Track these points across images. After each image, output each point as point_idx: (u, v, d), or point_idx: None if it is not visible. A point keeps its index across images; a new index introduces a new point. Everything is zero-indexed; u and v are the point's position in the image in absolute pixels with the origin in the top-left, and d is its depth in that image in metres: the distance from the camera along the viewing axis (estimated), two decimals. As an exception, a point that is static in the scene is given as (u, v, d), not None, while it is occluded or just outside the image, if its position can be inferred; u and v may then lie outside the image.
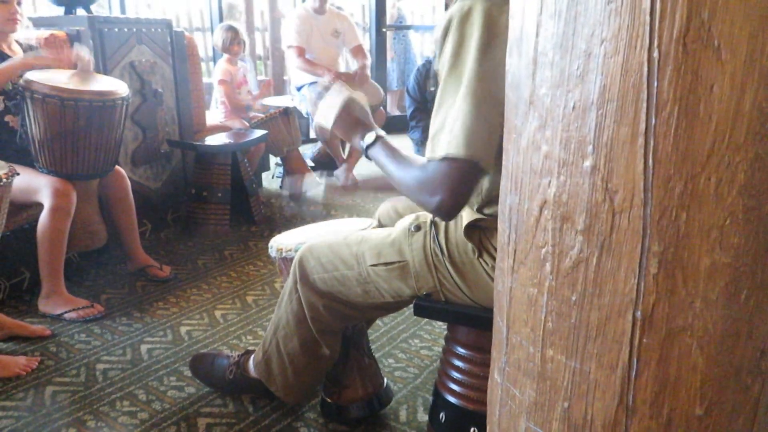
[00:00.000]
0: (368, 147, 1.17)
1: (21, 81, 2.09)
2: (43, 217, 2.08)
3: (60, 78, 2.17)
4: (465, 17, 1.00)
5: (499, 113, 0.96)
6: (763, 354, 0.57)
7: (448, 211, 1.03)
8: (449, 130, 1.00)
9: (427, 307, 1.24)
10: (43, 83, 2.07)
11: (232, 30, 3.64)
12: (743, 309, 0.55)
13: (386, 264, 1.25)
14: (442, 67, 1.04)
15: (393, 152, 1.14)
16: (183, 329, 2.08)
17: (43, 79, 2.10)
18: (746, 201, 0.52)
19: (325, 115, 1.22)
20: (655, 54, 0.51)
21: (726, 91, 0.50)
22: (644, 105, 0.52)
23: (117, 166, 2.39)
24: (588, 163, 0.56)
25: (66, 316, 2.12)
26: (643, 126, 0.53)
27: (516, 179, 0.64)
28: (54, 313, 2.13)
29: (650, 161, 0.53)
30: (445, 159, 1.00)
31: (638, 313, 0.56)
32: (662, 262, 0.54)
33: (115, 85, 2.28)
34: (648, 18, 0.51)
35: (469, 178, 1.02)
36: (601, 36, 0.53)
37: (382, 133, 1.19)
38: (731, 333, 0.55)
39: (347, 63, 4.20)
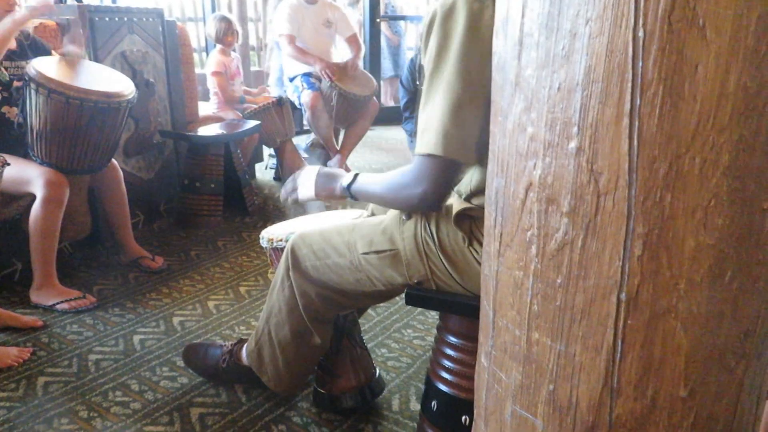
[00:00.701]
0: (349, 186, 1.28)
1: (28, 69, 2.06)
2: (36, 208, 2.07)
3: (66, 71, 2.12)
4: (448, 14, 1.02)
5: (484, 110, 0.99)
6: (746, 336, 0.57)
7: (432, 201, 1.10)
8: (432, 128, 1.04)
9: (419, 295, 1.24)
10: (50, 77, 2.04)
11: (226, 20, 3.62)
12: (727, 290, 0.55)
13: (378, 252, 1.25)
14: (427, 63, 1.06)
15: (372, 176, 1.25)
16: (176, 320, 2.08)
17: (51, 72, 2.07)
18: (731, 182, 0.52)
19: (306, 189, 1.38)
20: (640, 33, 0.50)
21: (711, 71, 0.50)
22: (629, 85, 0.52)
23: (109, 158, 2.37)
24: (573, 145, 0.55)
25: (58, 307, 2.11)
26: (628, 106, 0.52)
27: (502, 162, 0.63)
28: (46, 304, 2.12)
29: (635, 142, 0.52)
30: (428, 156, 1.06)
31: (623, 295, 0.55)
32: (647, 244, 0.54)
33: (122, 86, 2.23)
34: (633, -3, 0.50)
35: (450, 174, 1.09)
36: (586, 15, 0.53)
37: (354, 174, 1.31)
38: (715, 315, 0.55)
39: (340, 53, 4.17)
